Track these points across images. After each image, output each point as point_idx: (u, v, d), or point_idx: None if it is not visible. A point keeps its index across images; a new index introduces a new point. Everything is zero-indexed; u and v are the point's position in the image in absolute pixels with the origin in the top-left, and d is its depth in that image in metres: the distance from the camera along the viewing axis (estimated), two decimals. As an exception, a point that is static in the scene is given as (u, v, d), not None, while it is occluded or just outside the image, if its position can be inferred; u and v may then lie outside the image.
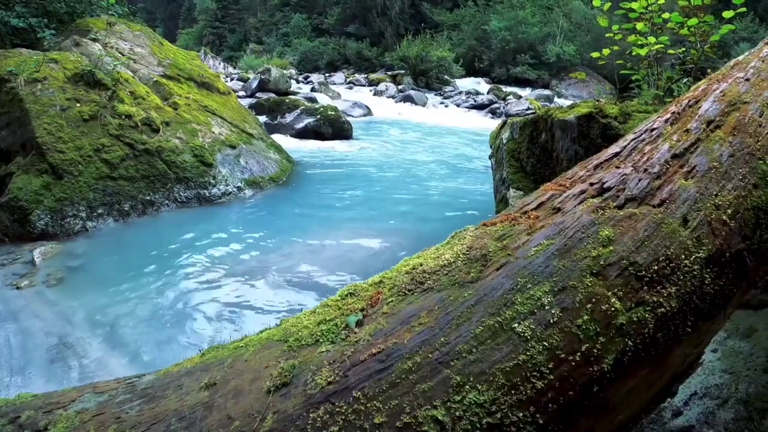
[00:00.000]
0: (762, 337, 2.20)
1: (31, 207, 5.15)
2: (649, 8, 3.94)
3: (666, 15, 3.91)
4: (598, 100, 3.78)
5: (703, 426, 1.99)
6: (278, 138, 9.94)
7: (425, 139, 12.51)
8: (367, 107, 16.37)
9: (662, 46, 3.99)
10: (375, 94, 21.02)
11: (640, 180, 1.41)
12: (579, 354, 1.14)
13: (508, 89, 22.60)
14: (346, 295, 1.36)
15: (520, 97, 20.37)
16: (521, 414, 1.08)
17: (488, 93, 21.61)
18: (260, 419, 1.10)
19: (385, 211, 6.40)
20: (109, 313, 3.87)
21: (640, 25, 4.01)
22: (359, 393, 1.10)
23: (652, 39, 4.00)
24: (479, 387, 1.09)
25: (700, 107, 1.65)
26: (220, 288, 4.30)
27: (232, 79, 20.26)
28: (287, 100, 12.58)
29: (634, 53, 4.15)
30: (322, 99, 16.03)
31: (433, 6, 34.91)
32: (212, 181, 6.54)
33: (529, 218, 1.40)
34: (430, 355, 1.13)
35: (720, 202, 1.38)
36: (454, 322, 1.17)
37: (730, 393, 2.05)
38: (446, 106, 19.52)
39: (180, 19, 54.75)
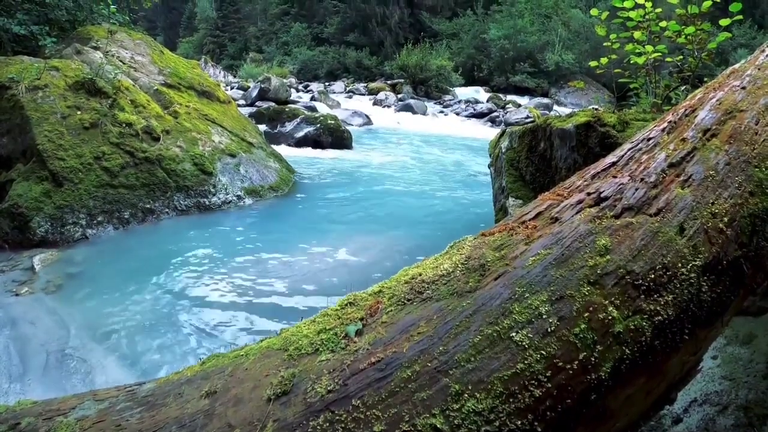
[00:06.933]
0: (761, 344, 2.20)
1: (31, 214, 5.16)
2: (647, 17, 3.96)
3: (663, 23, 3.94)
4: (596, 109, 3.80)
5: (703, 433, 1.99)
6: (278, 147, 9.96)
7: (424, 147, 12.54)
8: (367, 116, 16.41)
9: (660, 54, 4.02)
10: (374, 103, 21.08)
11: (636, 189, 1.42)
12: (576, 362, 1.14)
13: (508, 98, 22.70)
14: (346, 305, 1.36)
15: (519, 105, 20.46)
16: (519, 422, 1.09)
17: (487, 101, 21.69)
18: (260, 427, 1.10)
19: (385, 221, 6.41)
20: (109, 321, 3.87)
21: (637, 34, 4.03)
22: (359, 401, 1.10)
23: (649, 47, 4.03)
24: (477, 395, 1.09)
25: (696, 116, 1.66)
26: (220, 296, 4.30)
27: (232, 88, 20.38)
28: (287, 109, 12.62)
29: (632, 62, 4.18)
30: (322, 108, 16.07)
31: (432, 15, 35.09)
32: (212, 190, 6.55)
33: (527, 228, 1.40)
34: (429, 364, 1.14)
35: (716, 211, 1.39)
36: (452, 331, 1.18)
37: (730, 399, 2.05)
38: (445, 115, 19.58)
39: (180, 27, 54.97)
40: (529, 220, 1.44)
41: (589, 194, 1.45)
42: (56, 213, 5.28)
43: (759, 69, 1.85)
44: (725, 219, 1.38)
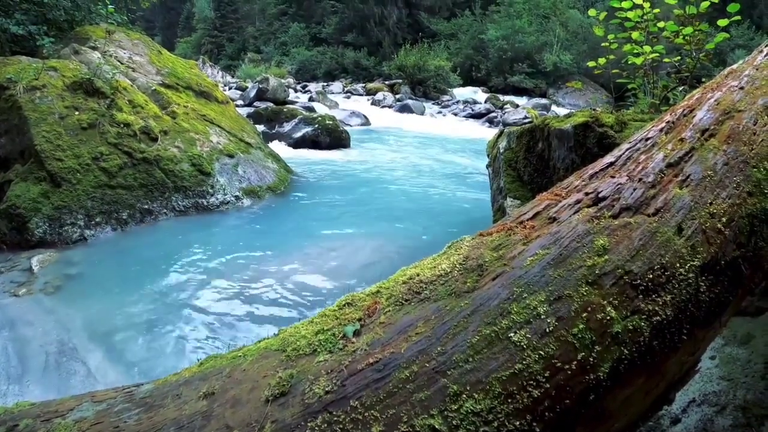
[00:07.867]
0: (759, 344, 2.20)
1: (29, 214, 5.15)
2: (645, 17, 3.97)
3: (661, 24, 3.95)
4: (594, 109, 3.80)
5: (701, 433, 1.99)
6: (276, 147, 9.95)
7: (423, 148, 12.54)
8: (365, 116, 16.40)
9: (658, 54, 4.03)
10: (373, 104, 21.09)
11: (634, 189, 1.42)
12: (575, 363, 1.14)
13: (506, 98, 22.69)
14: (344, 305, 1.36)
15: (518, 106, 20.45)
16: (518, 422, 1.09)
17: (485, 102, 21.70)
18: (258, 428, 1.10)
19: (383, 221, 6.40)
20: (107, 322, 3.86)
21: (635, 35, 4.04)
22: (357, 402, 1.10)
23: (647, 48, 4.04)
24: (476, 396, 1.09)
25: (694, 116, 1.66)
26: (218, 297, 4.30)
27: (230, 88, 20.35)
28: (285, 110, 12.61)
29: (630, 62, 4.18)
30: (320, 108, 16.01)
31: (431, 15, 35.09)
32: (210, 190, 6.54)
33: (525, 228, 1.40)
34: (427, 365, 1.13)
35: (715, 211, 1.38)
36: (450, 331, 1.18)
37: (728, 400, 2.05)
38: (444, 115, 19.58)
39: (178, 27, 54.98)
40: (527, 220, 1.44)
41: (587, 194, 1.45)
42: (54, 214, 5.27)
43: (757, 69, 1.85)
44: (723, 219, 1.38)
